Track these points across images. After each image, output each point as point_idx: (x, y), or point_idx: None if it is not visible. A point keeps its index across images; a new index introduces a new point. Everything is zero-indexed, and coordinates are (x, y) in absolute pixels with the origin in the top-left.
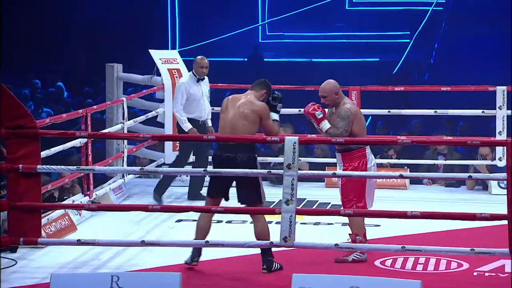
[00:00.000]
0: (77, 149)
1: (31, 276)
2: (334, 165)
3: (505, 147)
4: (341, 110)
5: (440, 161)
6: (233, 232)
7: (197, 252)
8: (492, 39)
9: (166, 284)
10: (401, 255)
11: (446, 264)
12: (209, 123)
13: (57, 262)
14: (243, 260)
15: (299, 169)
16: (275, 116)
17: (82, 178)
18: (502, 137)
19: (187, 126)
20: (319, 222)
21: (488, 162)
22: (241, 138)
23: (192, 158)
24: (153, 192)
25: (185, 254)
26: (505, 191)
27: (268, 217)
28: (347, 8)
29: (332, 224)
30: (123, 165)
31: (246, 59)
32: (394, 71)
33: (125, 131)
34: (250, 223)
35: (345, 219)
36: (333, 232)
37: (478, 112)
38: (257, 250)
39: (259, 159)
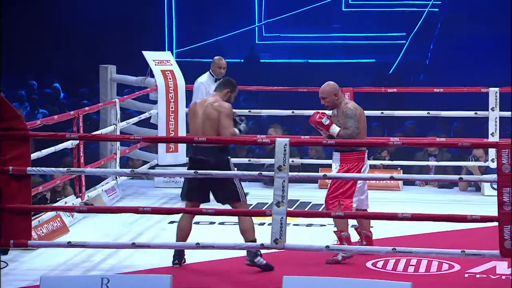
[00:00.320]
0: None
1: (22, 278)
2: (327, 166)
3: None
4: (346, 110)
5: (433, 163)
6: (226, 233)
7: (178, 254)
8: (487, 40)
9: (156, 286)
10: (393, 256)
11: (437, 265)
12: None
13: (48, 264)
14: (234, 262)
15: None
16: (237, 131)
17: (74, 179)
18: (495, 138)
19: None
20: (312, 224)
21: (481, 163)
22: (233, 140)
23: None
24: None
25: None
26: None
27: (260, 219)
28: (343, 9)
29: (325, 225)
30: (115, 167)
31: (242, 60)
32: (390, 71)
33: (118, 133)
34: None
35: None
36: (325, 233)
37: (471, 113)
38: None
39: (253, 160)
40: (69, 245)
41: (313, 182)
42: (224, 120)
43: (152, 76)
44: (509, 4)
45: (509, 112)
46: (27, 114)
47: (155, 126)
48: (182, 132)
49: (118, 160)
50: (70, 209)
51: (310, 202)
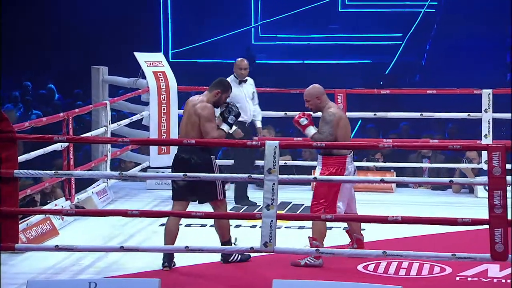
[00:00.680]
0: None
1: (10, 282)
2: None
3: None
4: (325, 114)
5: (426, 164)
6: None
7: (168, 257)
8: (484, 40)
9: None
10: (384, 259)
11: (429, 268)
12: (258, 124)
13: (37, 268)
14: (223, 265)
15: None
16: (225, 126)
17: (63, 182)
18: (488, 140)
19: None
20: (304, 226)
21: (474, 165)
22: (222, 143)
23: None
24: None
25: None
26: None
27: (252, 221)
28: (340, 10)
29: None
30: (106, 169)
31: None
32: (386, 72)
33: (109, 134)
34: (235, 227)
35: (330, 223)
36: None
37: (464, 115)
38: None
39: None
40: (57, 248)
41: (306, 184)
42: (204, 125)
43: (144, 77)
44: (505, 4)
45: (502, 114)
46: (21, 115)
47: (147, 128)
48: (174, 134)
49: (109, 163)
50: (57, 212)
51: (303, 204)
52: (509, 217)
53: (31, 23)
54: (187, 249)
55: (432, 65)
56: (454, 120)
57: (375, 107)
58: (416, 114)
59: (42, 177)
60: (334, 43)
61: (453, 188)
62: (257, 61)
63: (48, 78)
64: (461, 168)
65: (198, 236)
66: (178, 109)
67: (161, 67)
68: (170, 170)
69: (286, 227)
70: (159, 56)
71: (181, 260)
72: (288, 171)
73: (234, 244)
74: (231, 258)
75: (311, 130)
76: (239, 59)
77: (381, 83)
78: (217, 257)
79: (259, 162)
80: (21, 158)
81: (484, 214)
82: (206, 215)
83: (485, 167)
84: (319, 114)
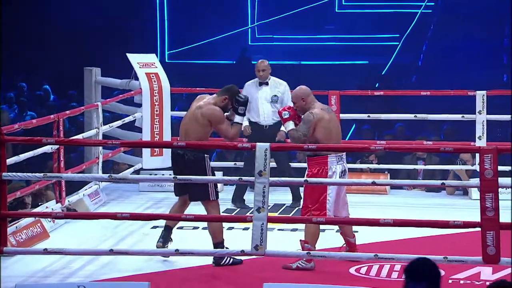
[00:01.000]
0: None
1: None
2: None
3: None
4: (305, 114)
5: (420, 166)
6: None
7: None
8: (480, 41)
9: None
10: (376, 262)
11: None
12: (282, 128)
13: (27, 271)
14: (215, 268)
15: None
16: (237, 118)
17: (54, 184)
18: (482, 142)
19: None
20: (297, 229)
21: (468, 167)
22: (212, 145)
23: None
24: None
25: (157, 261)
26: None
27: (244, 224)
28: (336, 10)
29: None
30: (98, 171)
31: (234, 62)
32: (382, 73)
33: (100, 136)
34: (227, 229)
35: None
36: None
37: (458, 116)
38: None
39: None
40: (46, 252)
41: (299, 186)
42: (219, 128)
43: (137, 79)
44: (502, 5)
45: (497, 116)
46: (15, 116)
47: (140, 129)
48: (167, 136)
49: (100, 165)
50: (46, 215)
51: (296, 207)
52: (506, 220)
53: (25, 23)
54: (177, 252)
55: (428, 66)
56: (450, 121)
57: (371, 108)
58: (410, 116)
59: (31, 179)
60: (331, 43)
61: (447, 190)
62: (253, 62)
63: (44, 79)
64: (455, 170)
65: (190, 239)
66: (171, 110)
67: (154, 68)
68: (163, 172)
69: (279, 230)
70: (152, 58)
71: (171, 263)
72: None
73: (227, 248)
74: (223, 262)
75: (289, 125)
76: (260, 60)
77: (377, 85)
78: (208, 260)
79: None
80: (11, 160)
81: (478, 216)
82: (196, 218)
83: (478, 168)
84: None
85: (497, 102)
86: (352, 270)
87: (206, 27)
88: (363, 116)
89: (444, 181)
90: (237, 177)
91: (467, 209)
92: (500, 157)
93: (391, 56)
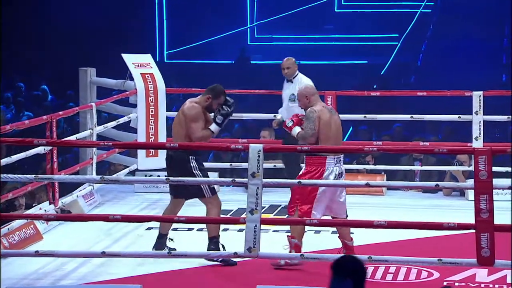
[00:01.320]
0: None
1: None
2: None
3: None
4: (307, 112)
5: (417, 167)
6: (204, 240)
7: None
8: (480, 41)
9: None
10: (371, 264)
11: (416, 273)
12: (278, 115)
13: (19, 273)
14: (207, 270)
15: None
16: (213, 127)
17: (47, 186)
18: (479, 142)
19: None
20: None
21: (464, 168)
22: (202, 146)
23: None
24: None
25: (150, 263)
26: None
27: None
28: (336, 10)
29: (306, 232)
30: (92, 172)
31: (233, 62)
32: (381, 73)
33: (94, 137)
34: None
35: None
36: (305, 240)
37: (454, 117)
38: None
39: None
40: (37, 254)
41: None
42: (189, 125)
43: (132, 79)
44: (502, 5)
45: (494, 116)
46: (12, 116)
47: (135, 130)
48: (162, 136)
49: (94, 166)
50: (37, 217)
51: None
52: (505, 222)
53: (25, 23)
54: (170, 255)
55: (427, 66)
56: (449, 122)
57: (369, 108)
58: (407, 116)
59: (22, 181)
60: (330, 43)
61: (444, 191)
62: (252, 62)
63: (43, 79)
64: (451, 170)
65: (184, 240)
66: (169, 111)
67: (149, 68)
68: (158, 172)
69: (274, 231)
70: (147, 58)
71: (164, 265)
72: (280, 174)
73: (222, 245)
74: (216, 258)
75: (296, 130)
76: (285, 58)
77: (375, 86)
78: (201, 262)
79: (243, 165)
80: (3, 161)
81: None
82: (189, 220)
83: None
84: None
85: (496, 103)
86: None
87: (205, 27)
88: (360, 116)
89: (438, 182)
90: (230, 179)
91: (464, 210)
92: (500, 158)
93: (390, 56)
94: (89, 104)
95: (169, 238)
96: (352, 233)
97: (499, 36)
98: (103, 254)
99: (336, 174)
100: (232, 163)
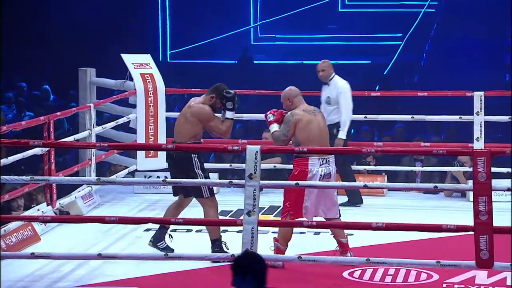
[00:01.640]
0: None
1: None
2: None
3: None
4: (286, 115)
5: (418, 168)
6: (202, 241)
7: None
8: (483, 41)
9: None
10: (370, 266)
11: (415, 275)
12: (334, 132)
13: (16, 275)
14: (204, 272)
15: None
16: (228, 114)
17: (45, 187)
18: (480, 143)
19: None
20: None
21: (465, 169)
22: (201, 147)
23: None
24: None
25: (147, 265)
26: None
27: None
28: (339, 10)
29: (304, 233)
30: (91, 173)
31: (236, 62)
32: (385, 73)
33: (93, 138)
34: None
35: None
36: (304, 241)
37: (455, 118)
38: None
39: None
40: (33, 256)
41: None
42: (209, 126)
43: (131, 79)
44: (505, 5)
45: (495, 117)
46: (13, 117)
47: (134, 131)
48: (161, 137)
49: (93, 166)
50: (33, 219)
51: None
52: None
53: (25, 23)
54: (167, 257)
55: (431, 65)
56: (451, 122)
57: (370, 108)
58: (407, 117)
59: (18, 182)
60: (333, 43)
61: (444, 192)
62: (255, 62)
63: (44, 79)
64: (452, 171)
65: (182, 242)
66: (171, 111)
67: (148, 69)
68: (158, 173)
69: (273, 232)
70: (146, 58)
71: (160, 267)
72: (279, 174)
73: (225, 245)
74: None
75: (273, 128)
76: (321, 60)
77: (378, 84)
78: (198, 264)
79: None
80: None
81: None
82: (186, 222)
83: None
84: None
85: (497, 103)
86: (345, 274)
87: (208, 27)
88: (360, 117)
89: (437, 184)
90: (228, 181)
91: (464, 211)
92: (500, 158)
93: (394, 55)
94: (88, 104)
95: (169, 235)
96: (352, 234)
97: (502, 36)
98: (99, 256)
99: (321, 175)
100: (232, 164)
